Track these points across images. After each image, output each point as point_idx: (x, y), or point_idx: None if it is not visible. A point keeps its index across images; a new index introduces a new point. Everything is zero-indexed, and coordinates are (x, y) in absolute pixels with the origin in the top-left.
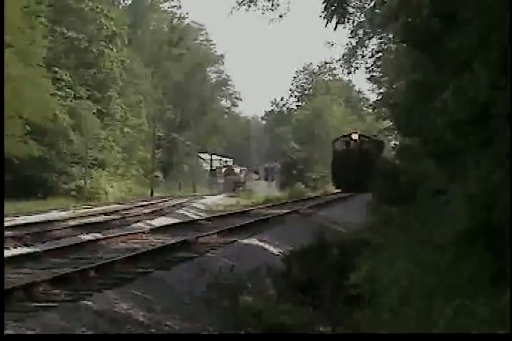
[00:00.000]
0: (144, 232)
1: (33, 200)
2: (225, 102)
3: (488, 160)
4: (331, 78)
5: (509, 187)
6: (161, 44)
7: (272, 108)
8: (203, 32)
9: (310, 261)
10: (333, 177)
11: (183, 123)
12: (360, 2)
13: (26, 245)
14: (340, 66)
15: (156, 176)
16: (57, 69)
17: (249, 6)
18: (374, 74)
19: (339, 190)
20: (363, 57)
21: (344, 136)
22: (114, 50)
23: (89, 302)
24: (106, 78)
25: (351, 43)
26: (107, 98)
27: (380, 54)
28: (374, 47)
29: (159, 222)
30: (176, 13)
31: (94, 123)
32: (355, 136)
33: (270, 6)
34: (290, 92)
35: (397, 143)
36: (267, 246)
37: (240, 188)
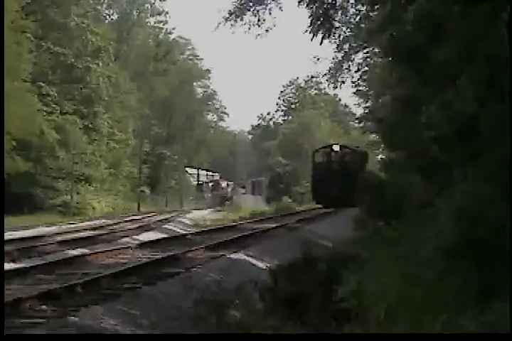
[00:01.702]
0: (130, 247)
1: (20, 215)
2: (211, 117)
3: (475, 173)
4: (317, 92)
5: (497, 201)
6: (147, 59)
7: (258, 122)
8: (189, 47)
9: (297, 275)
10: (313, 191)
11: (170, 138)
12: (346, 17)
13: (13, 261)
14: (327, 80)
15: (143, 191)
16: (43, 84)
17: (236, 21)
18: (360, 88)
19: (320, 206)
20: (348, 71)
21: (325, 147)
22: (100, 65)
23: (76, 318)
24: (92, 93)
25: (337, 57)
26: (93, 113)
27: (365, 68)
28: (360, 61)
29: (146, 237)
30: (163, 28)
31: (81, 138)
32: (336, 147)
33: (256, 22)
34: (277, 107)
35: (383, 156)
36: (254, 261)
37: (227, 203)
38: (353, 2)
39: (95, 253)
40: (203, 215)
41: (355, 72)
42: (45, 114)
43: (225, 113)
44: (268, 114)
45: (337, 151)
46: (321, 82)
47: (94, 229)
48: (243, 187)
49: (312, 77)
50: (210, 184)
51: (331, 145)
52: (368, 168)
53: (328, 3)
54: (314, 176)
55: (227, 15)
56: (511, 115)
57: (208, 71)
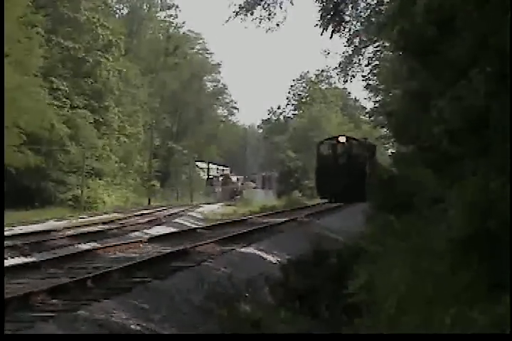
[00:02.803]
0: (141, 242)
1: (30, 210)
2: (221, 111)
3: (486, 167)
4: (327, 86)
5: (508, 194)
6: (157, 53)
7: (268, 116)
8: (199, 41)
9: (308, 269)
10: (317, 185)
11: (180, 132)
12: (356, 11)
13: (23, 255)
14: (337, 74)
15: (153, 185)
16: (53, 78)
17: (246, 15)
18: (370, 82)
19: (325, 201)
20: (359, 65)
21: (330, 138)
22: (111, 59)
23: (87, 312)
24: (103, 88)
25: (347, 51)
26: (104, 107)
27: (376, 62)
28: (370, 55)
29: (157, 231)
30: (173, 23)
31: (91, 132)
32: (342, 139)
33: (267, 15)
34: (287, 101)
35: (394, 151)
36: (264, 255)
37: (237, 197)
38: None
39: (106, 247)
40: (213, 209)
41: (366, 66)
42: (55, 108)
43: (235, 107)
44: (278, 108)
45: (343, 143)
46: (331, 76)
47: (104, 223)
48: (253, 182)
49: (322, 71)
50: (221, 178)
51: (336, 137)
52: (377, 162)
53: None
54: (319, 169)
55: (238, 10)
56: None
57: (218, 65)
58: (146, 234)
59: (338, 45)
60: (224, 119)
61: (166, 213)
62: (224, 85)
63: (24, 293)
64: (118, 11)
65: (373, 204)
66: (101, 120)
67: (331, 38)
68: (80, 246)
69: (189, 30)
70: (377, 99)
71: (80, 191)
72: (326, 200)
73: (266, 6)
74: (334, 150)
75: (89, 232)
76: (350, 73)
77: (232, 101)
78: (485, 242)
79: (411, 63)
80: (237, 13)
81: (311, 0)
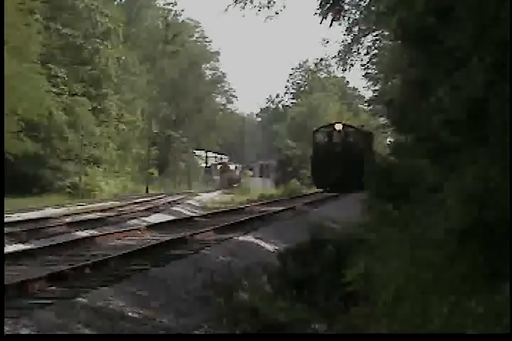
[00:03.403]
0: (139, 229)
1: (28, 197)
2: (220, 99)
3: (484, 157)
4: (326, 75)
5: (506, 185)
6: (156, 41)
7: (267, 105)
8: (198, 29)
9: (305, 258)
10: (313, 174)
11: (179, 120)
12: None
13: (21, 242)
14: (336, 63)
15: (151, 173)
16: (52, 65)
17: (245, 4)
18: (369, 71)
19: (320, 190)
20: (358, 54)
21: (326, 126)
22: (109, 46)
23: (85, 300)
24: (101, 75)
25: (346, 40)
26: (103, 95)
27: (375, 51)
28: (369, 44)
29: (155, 218)
30: (172, 10)
31: (90, 120)
32: (338, 126)
33: (266, 3)
34: (286, 89)
35: (392, 140)
36: (262, 243)
37: (236, 185)
38: None
39: (104, 234)
40: (212, 197)
41: (365, 54)
42: (54, 95)
43: (234, 95)
44: (277, 96)
45: (339, 131)
46: (330, 65)
47: (102, 210)
48: (252, 170)
49: (321, 59)
50: (219, 166)
51: (332, 124)
52: (375, 150)
53: None
54: (314, 158)
55: None
56: None
57: (217, 53)
58: (145, 221)
59: (337, 33)
60: (223, 107)
61: (164, 201)
62: (223, 73)
63: (22, 280)
64: None
65: (371, 193)
66: (99, 107)
67: (330, 26)
68: (78, 233)
69: (188, 18)
70: (376, 88)
71: (78, 178)
72: (322, 190)
73: None
74: (330, 138)
75: (87, 220)
76: (349, 62)
77: (230, 89)
78: (482, 232)
79: (410, 52)
80: (236, 1)
81: None
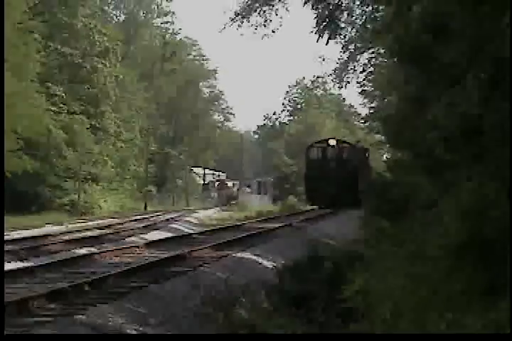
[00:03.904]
0: (137, 246)
1: (27, 215)
2: (217, 117)
3: (480, 174)
4: (323, 92)
5: (502, 201)
6: (154, 59)
7: (264, 122)
8: (195, 47)
9: (303, 274)
10: (307, 192)
11: (176, 138)
12: (351, 17)
13: (21, 260)
14: (332, 80)
15: (150, 190)
16: (50, 84)
17: (242, 22)
18: (365, 88)
19: (315, 207)
20: (354, 71)
21: (320, 141)
22: (108, 65)
23: (84, 317)
24: (99, 93)
25: (343, 58)
26: (101, 113)
27: (371, 68)
28: (365, 61)
29: (153, 236)
30: (169, 29)
31: (88, 138)
32: (332, 142)
33: (263, 22)
34: (282, 107)
35: (388, 156)
36: (260, 260)
37: (233, 202)
38: (359, 3)
39: (103, 252)
40: (209, 214)
41: (361, 72)
42: (52, 113)
43: (231, 113)
44: (274, 113)
45: (333, 146)
46: (326, 82)
47: (101, 228)
48: (249, 187)
49: (318, 77)
50: (216, 183)
51: (326, 140)
52: (371, 166)
53: (334, 5)
54: (308, 174)
55: (234, 16)
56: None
57: (214, 71)
58: (143, 239)
59: (333, 51)
60: (220, 125)
61: (162, 218)
62: (220, 91)
63: (22, 297)
64: (115, 17)
65: (368, 209)
66: (97, 125)
67: (326, 44)
68: (76, 251)
69: (185, 37)
70: (372, 105)
71: (76, 196)
72: (315, 207)
73: (262, 12)
74: (324, 153)
75: (86, 237)
76: (345, 79)
77: (228, 107)
78: (479, 248)
79: (406, 69)
80: (233, 20)
81: (307, 7)
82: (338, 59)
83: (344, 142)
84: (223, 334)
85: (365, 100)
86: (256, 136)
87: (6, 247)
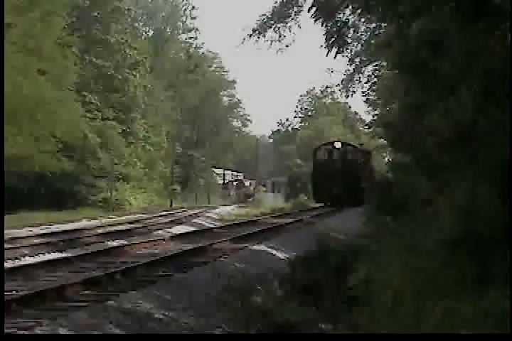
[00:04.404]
0: (164, 239)
1: (65, 210)
2: (236, 123)
3: (473, 174)
4: (331, 101)
5: (493, 200)
6: (179, 71)
7: (278, 128)
8: (216, 60)
9: (313, 265)
10: (313, 190)
11: (199, 142)
12: (357, 34)
13: (59, 251)
14: (339, 90)
15: (175, 189)
16: (86, 93)
17: (259, 37)
18: (369, 97)
19: (320, 205)
20: (359, 82)
21: (326, 143)
22: (138, 76)
23: (116, 302)
24: (130, 101)
25: (349, 70)
26: (131, 119)
27: (374, 79)
28: (369, 73)
29: (178, 229)
30: (193, 43)
31: (119, 141)
32: (338, 144)
33: (277, 38)
34: (295, 114)
35: (390, 159)
36: (274, 252)
37: (250, 199)
38: (364, 21)
39: (132, 244)
40: (228, 211)
41: (365, 83)
42: (88, 119)
43: (249, 119)
44: (287, 120)
45: (339, 148)
46: (334, 92)
47: (131, 222)
48: (264, 186)
49: (327, 87)
50: (235, 183)
51: (332, 142)
52: (373, 167)
53: (341, 22)
54: (314, 174)
55: (251, 32)
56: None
57: (234, 82)
58: (168, 232)
59: (341, 63)
60: (238, 130)
61: (186, 214)
62: (238, 100)
63: (60, 284)
64: (144, 33)
65: (371, 206)
66: (128, 130)
67: (335, 57)
68: (109, 243)
69: (208, 51)
70: (376, 112)
71: (109, 194)
72: (321, 204)
73: (276, 29)
74: (330, 155)
75: (117, 231)
76: (351, 89)
77: (245, 114)
78: (472, 242)
79: (406, 80)
80: (250, 36)
81: (317, 24)
82: (345, 71)
83: (349, 145)
84: (223, 334)
85: (369, 108)
86: (271, 140)
87: (46, 240)
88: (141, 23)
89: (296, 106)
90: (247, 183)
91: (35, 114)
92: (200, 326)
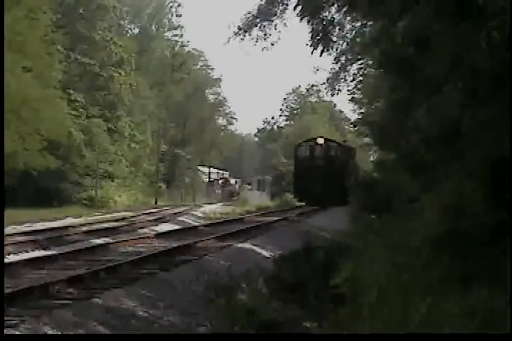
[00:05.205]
0: (149, 237)
1: (50, 208)
2: (221, 121)
3: (458, 172)
4: (316, 99)
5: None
6: (164, 69)
7: (263, 126)
8: (202, 58)
9: (298, 263)
10: (295, 188)
11: (184, 140)
12: (343, 32)
13: (44, 248)
14: (325, 89)
15: (160, 187)
16: (71, 91)
17: (244, 36)
18: (355, 95)
19: (303, 203)
20: (345, 80)
21: (308, 140)
22: (123, 74)
23: (100, 300)
24: (115, 99)
25: (334, 68)
26: (116, 117)
27: (360, 78)
28: (355, 71)
29: (162, 227)
30: (179, 41)
31: (105, 139)
32: (320, 140)
33: (263, 36)
34: (280, 112)
35: (375, 157)
36: (259, 250)
37: (235, 198)
38: (349, 19)
39: (117, 242)
40: (214, 209)
41: (351, 81)
42: (73, 117)
43: (234, 117)
44: (272, 118)
45: (321, 145)
46: (320, 90)
47: (116, 220)
48: (249, 184)
49: (312, 85)
50: (220, 181)
51: (315, 139)
52: (357, 165)
53: (327, 20)
54: (296, 172)
55: (237, 30)
56: None
57: (219, 80)
58: (153, 230)
59: (326, 61)
60: (224, 128)
61: (171, 212)
62: (224, 98)
63: (44, 282)
64: (130, 30)
65: (356, 204)
66: (113, 128)
67: (320, 56)
68: (94, 240)
69: (193, 49)
70: (361, 110)
71: (94, 192)
72: (303, 203)
73: (262, 27)
74: (312, 151)
75: (102, 228)
76: (337, 87)
77: (231, 112)
78: (456, 240)
79: (391, 79)
80: (236, 34)
81: (303, 22)
82: (331, 69)
83: (332, 141)
84: (223, 334)
85: (355, 106)
86: (256, 138)
87: (31, 237)
88: (126, 21)
89: (282, 105)
90: (232, 181)
91: (20, 111)
92: (184, 324)
